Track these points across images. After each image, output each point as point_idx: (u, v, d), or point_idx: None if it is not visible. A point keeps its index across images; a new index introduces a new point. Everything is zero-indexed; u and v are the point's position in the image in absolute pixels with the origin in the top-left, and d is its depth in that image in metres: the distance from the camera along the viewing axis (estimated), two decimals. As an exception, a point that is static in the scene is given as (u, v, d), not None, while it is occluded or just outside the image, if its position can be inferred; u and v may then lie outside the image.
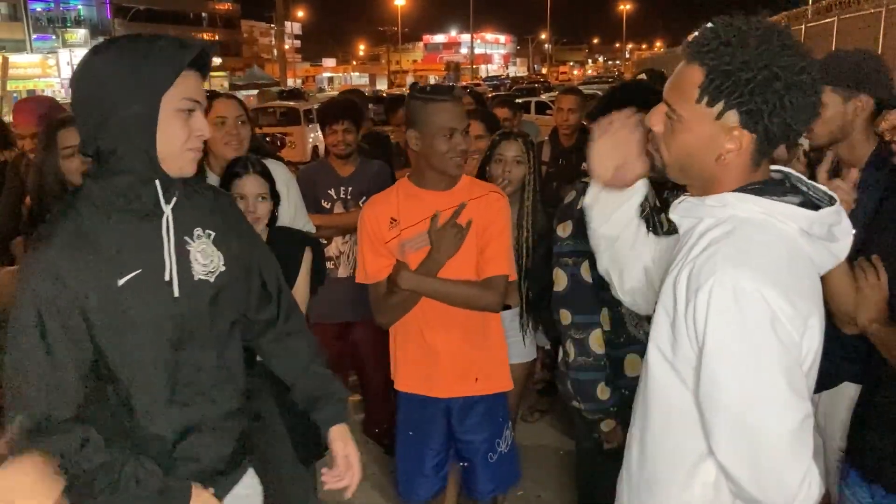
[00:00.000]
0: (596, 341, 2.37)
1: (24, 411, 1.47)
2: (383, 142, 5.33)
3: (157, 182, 1.57)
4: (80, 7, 50.39)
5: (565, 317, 2.41)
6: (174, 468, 1.65)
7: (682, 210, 1.46)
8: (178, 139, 1.55)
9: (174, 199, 1.62)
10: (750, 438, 1.27)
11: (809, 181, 1.42)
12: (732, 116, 1.32)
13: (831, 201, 1.38)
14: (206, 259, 1.68)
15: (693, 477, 1.40)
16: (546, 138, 5.24)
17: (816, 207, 1.35)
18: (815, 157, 2.49)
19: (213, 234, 1.70)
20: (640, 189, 1.71)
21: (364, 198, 3.75)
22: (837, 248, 1.40)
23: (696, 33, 1.38)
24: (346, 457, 1.90)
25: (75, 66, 1.58)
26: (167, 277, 1.59)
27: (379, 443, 4.15)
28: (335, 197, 3.79)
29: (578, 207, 2.40)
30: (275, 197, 2.62)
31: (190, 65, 1.54)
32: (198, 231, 1.67)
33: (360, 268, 2.57)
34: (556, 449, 4.08)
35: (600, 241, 1.78)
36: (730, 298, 1.24)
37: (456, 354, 2.54)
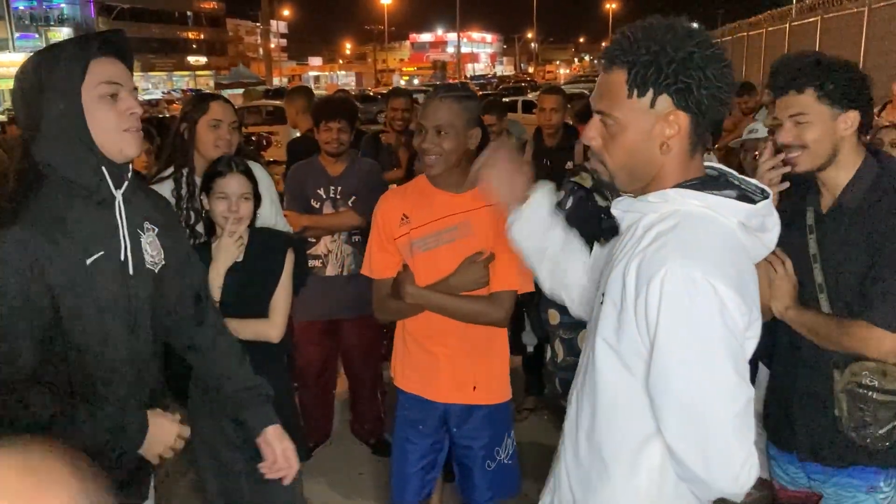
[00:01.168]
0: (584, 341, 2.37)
1: None
2: (373, 141, 5.33)
3: (104, 169, 1.67)
4: (63, 6, 50.04)
5: (553, 317, 2.41)
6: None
7: (623, 206, 1.52)
8: (108, 124, 1.65)
9: (124, 185, 1.73)
10: (699, 422, 1.33)
11: (741, 176, 1.49)
12: (664, 101, 1.38)
13: (764, 194, 1.45)
14: (154, 251, 1.80)
15: (638, 461, 1.45)
16: (529, 138, 5.24)
17: (751, 200, 1.42)
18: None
19: (156, 229, 1.83)
20: (541, 198, 1.83)
21: (353, 197, 3.75)
22: (768, 239, 1.47)
23: (606, 45, 1.46)
24: (284, 452, 2.00)
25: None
26: (122, 257, 1.71)
27: (366, 442, 4.14)
28: (324, 196, 3.77)
29: (567, 207, 2.41)
30: (257, 198, 2.60)
31: (107, 53, 1.66)
32: (146, 224, 1.80)
33: (366, 261, 2.57)
34: (545, 447, 4.07)
35: (532, 259, 1.88)
36: (681, 288, 1.30)
37: (456, 362, 2.52)
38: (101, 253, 1.66)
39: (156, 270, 1.80)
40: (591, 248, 2.41)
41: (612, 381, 1.46)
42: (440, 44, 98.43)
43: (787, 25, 13.87)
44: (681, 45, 1.35)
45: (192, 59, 67.99)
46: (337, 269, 3.80)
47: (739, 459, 1.33)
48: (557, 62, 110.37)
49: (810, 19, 12.43)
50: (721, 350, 1.31)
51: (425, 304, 2.41)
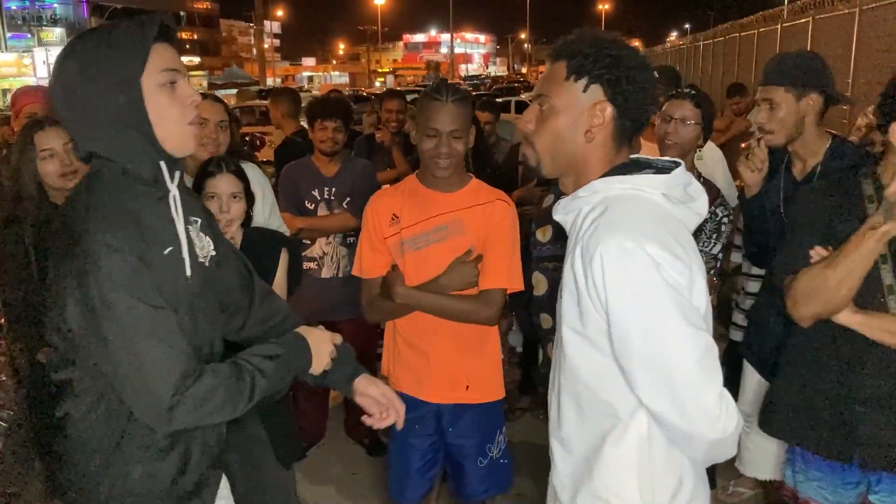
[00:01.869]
0: None
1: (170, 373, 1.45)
2: (366, 142, 5.33)
3: (162, 163, 1.57)
4: (56, 5, 49.79)
5: (546, 321, 2.41)
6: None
7: (561, 209, 1.63)
8: (171, 114, 1.54)
9: (176, 180, 1.62)
10: (664, 375, 1.42)
11: (654, 158, 1.62)
12: (596, 90, 1.53)
13: (676, 164, 1.58)
14: (201, 243, 1.70)
15: (626, 434, 1.52)
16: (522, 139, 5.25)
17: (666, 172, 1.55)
18: (775, 158, 2.59)
19: (199, 221, 1.72)
20: None
21: (348, 198, 3.75)
22: (697, 206, 1.59)
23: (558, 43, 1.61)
24: (383, 394, 1.89)
25: (50, 75, 1.56)
26: (183, 255, 1.61)
27: (360, 443, 4.15)
28: (319, 198, 3.77)
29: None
30: (249, 198, 2.61)
31: (157, 38, 1.52)
32: (191, 217, 1.69)
33: (356, 261, 2.57)
34: (538, 447, 4.07)
35: None
36: (617, 258, 1.41)
37: (447, 362, 2.53)
38: (171, 248, 1.56)
39: (206, 263, 1.70)
40: None
41: (584, 366, 1.55)
42: (433, 44, 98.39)
43: (779, 27, 13.90)
44: (617, 49, 1.54)
45: (185, 59, 66.68)
46: (332, 271, 3.80)
47: (711, 401, 1.41)
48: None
49: (802, 20, 12.47)
50: (666, 304, 1.40)
51: (414, 304, 2.42)
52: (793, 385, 2.19)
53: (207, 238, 1.73)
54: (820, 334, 2.05)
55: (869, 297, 1.98)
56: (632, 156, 1.61)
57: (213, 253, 1.72)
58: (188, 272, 1.61)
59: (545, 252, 2.42)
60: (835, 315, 1.99)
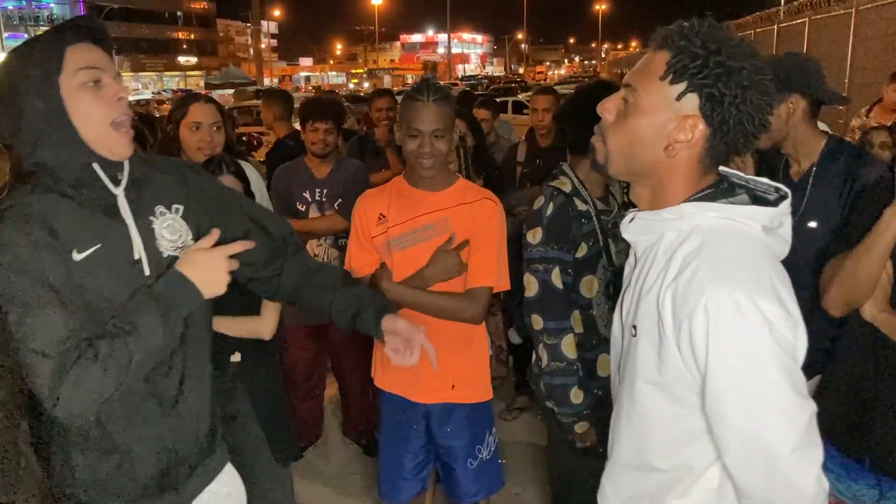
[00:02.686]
0: (568, 346, 2.39)
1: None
2: (358, 143, 5.32)
3: (96, 165, 1.55)
4: (52, 5, 49.77)
5: (537, 322, 2.41)
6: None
7: (636, 228, 1.44)
8: (95, 114, 1.52)
9: (124, 181, 1.59)
10: (762, 449, 1.27)
11: (746, 175, 1.42)
12: (692, 100, 1.30)
13: (779, 192, 1.38)
14: (174, 234, 1.66)
15: (695, 484, 1.40)
16: (522, 138, 5.26)
17: (765, 200, 1.36)
18: (755, 158, 2.61)
19: (180, 208, 1.68)
20: None
21: (339, 200, 3.75)
22: (784, 232, 1.39)
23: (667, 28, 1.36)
24: (407, 329, 1.83)
25: None
26: (136, 256, 1.58)
27: (357, 443, 4.15)
28: (310, 199, 3.76)
29: (548, 214, 2.43)
30: (249, 197, 2.61)
31: (80, 40, 1.52)
32: (160, 208, 1.65)
33: (346, 260, 2.58)
34: (535, 447, 4.09)
35: None
36: (727, 315, 1.23)
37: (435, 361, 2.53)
38: (98, 246, 1.52)
39: (179, 255, 1.64)
40: (574, 252, 2.44)
41: (659, 418, 1.41)
42: (431, 44, 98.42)
43: (775, 27, 13.94)
44: (737, 56, 1.28)
45: (182, 59, 67.74)
46: (326, 272, 3.80)
47: (811, 486, 1.27)
48: (547, 63, 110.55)
49: (798, 21, 12.50)
50: (776, 371, 1.24)
51: (401, 300, 2.42)
52: (830, 385, 2.16)
53: (187, 227, 1.69)
54: (855, 332, 2.03)
55: None
56: (721, 168, 1.40)
57: (191, 242, 1.68)
58: (146, 272, 1.58)
59: (535, 254, 2.42)
60: (860, 304, 1.96)
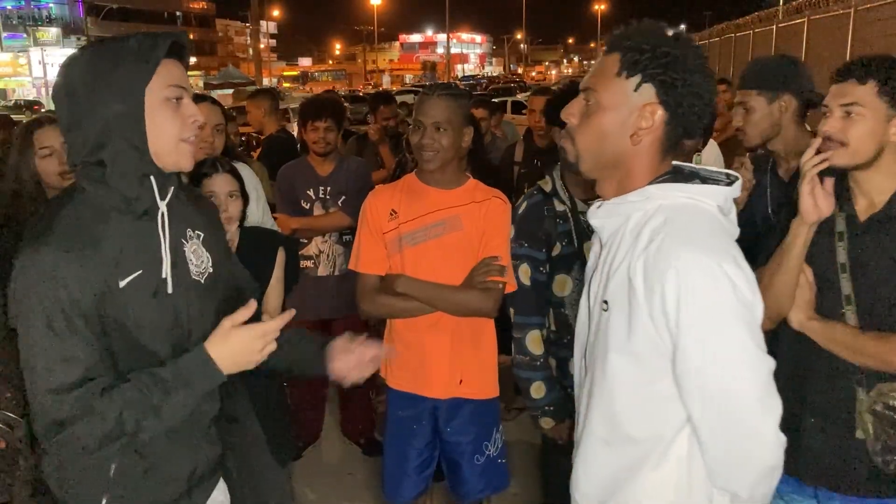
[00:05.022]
0: (533, 341, 2.44)
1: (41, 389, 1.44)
2: (356, 142, 5.33)
3: (153, 178, 1.55)
4: (51, 5, 49.73)
5: (512, 315, 2.50)
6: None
7: (603, 213, 1.53)
8: (170, 129, 1.52)
9: (168, 196, 1.59)
10: (730, 399, 1.36)
11: (697, 166, 1.55)
12: (648, 90, 1.43)
13: (730, 178, 1.50)
14: (198, 260, 1.66)
15: (667, 453, 1.47)
16: (520, 138, 5.26)
17: (716, 183, 1.48)
18: (752, 157, 2.64)
19: (202, 234, 1.69)
20: None
21: (343, 197, 3.77)
22: (733, 217, 1.51)
23: (614, 33, 1.51)
24: (358, 354, 1.81)
25: (53, 80, 1.55)
26: (163, 275, 1.57)
27: (356, 443, 4.15)
28: (314, 197, 3.79)
29: (520, 212, 2.50)
30: (244, 197, 2.62)
31: (168, 55, 1.52)
32: (189, 231, 1.66)
33: (353, 255, 2.58)
34: (533, 446, 4.09)
35: None
36: (699, 278, 1.34)
37: (444, 356, 2.54)
38: (139, 273, 1.52)
39: (202, 281, 1.66)
40: (549, 251, 2.47)
41: (631, 383, 1.47)
42: (430, 44, 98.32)
43: (774, 27, 13.96)
44: (678, 47, 1.42)
45: (180, 59, 67.39)
46: (328, 270, 3.82)
47: (772, 430, 1.38)
48: (546, 63, 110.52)
49: (797, 21, 12.52)
50: (741, 327, 1.35)
51: (415, 293, 2.44)
52: None
53: (207, 254, 1.69)
54: (781, 342, 1.98)
55: (829, 306, 1.92)
56: (674, 163, 1.53)
57: (211, 270, 1.69)
58: (170, 289, 1.58)
59: (521, 251, 2.50)
60: (784, 314, 1.94)
